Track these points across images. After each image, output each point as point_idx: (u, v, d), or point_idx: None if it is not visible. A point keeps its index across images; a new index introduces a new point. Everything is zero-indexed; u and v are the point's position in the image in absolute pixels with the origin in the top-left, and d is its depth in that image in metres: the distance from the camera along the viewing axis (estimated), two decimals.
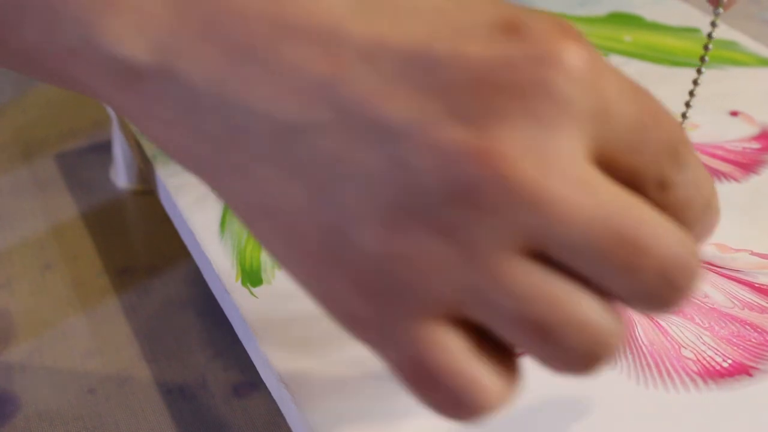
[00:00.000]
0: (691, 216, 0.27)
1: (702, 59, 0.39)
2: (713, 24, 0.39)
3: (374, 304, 0.25)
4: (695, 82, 0.40)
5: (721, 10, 0.39)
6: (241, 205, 0.26)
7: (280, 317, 0.38)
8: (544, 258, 0.24)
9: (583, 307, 0.25)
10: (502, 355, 0.26)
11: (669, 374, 0.35)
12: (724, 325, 0.37)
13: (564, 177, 0.24)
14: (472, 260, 0.24)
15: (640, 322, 0.37)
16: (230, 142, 0.25)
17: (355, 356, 0.36)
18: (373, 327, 0.25)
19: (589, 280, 0.25)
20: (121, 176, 0.56)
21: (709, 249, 0.41)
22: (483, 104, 0.24)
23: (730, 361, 0.35)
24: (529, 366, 0.36)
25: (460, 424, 0.27)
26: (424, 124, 0.24)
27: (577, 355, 0.25)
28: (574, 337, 0.25)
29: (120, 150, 0.55)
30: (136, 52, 0.25)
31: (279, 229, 0.26)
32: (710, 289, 0.39)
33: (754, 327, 0.37)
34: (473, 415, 0.25)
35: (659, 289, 0.25)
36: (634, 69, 0.53)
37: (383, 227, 0.24)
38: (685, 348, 0.36)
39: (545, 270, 0.25)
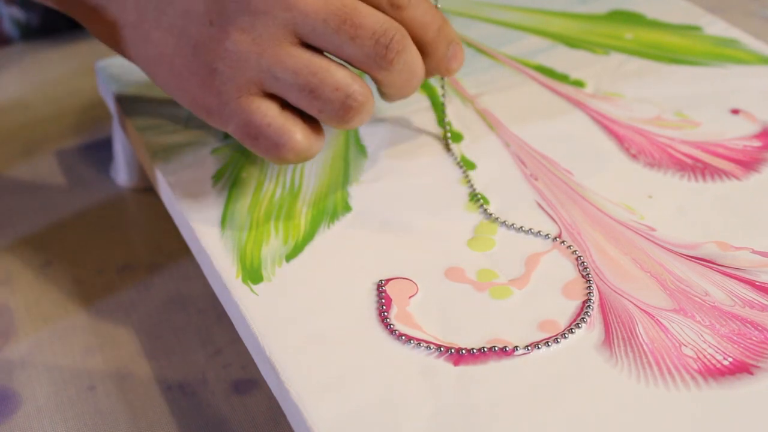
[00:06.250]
0: (429, 36, 0.42)
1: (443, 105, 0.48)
2: (443, 94, 0.48)
3: (216, 95, 0.40)
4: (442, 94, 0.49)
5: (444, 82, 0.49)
6: (148, 61, 0.42)
7: (281, 314, 0.38)
8: (306, 45, 0.40)
9: (335, 74, 0.39)
10: (307, 118, 0.41)
11: (670, 372, 0.35)
12: (725, 323, 0.37)
13: None
14: (262, 51, 0.39)
15: (640, 321, 0.37)
16: (141, 21, 0.42)
17: (356, 354, 0.36)
18: (218, 110, 0.41)
19: (336, 54, 0.40)
20: (121, 173, 0.56)
21: (710, 247, 0.41)
22: None
23: (730, 359, 0.35)
24: (530, 366, 0.36)
25: (280, 163, 0.41)
26: None
27: (335, 106, 0.39)
28: (331, 93, 0.39)
29: (120, 147, 0.55)
30: None
31: (165, 67, 0.42)
32: (711, 288, 0.39)
33: (755, 325, 0.37)
34: (289, 154, 0.40)
35: (375, 49, 0.39)
36: (635, 66, 0.53)
37: (214, 33, 0.40)
38: (686, 346, 0.36)
39: (308, 52, 0.39)
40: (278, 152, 0.40)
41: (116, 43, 0.44)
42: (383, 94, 0.43)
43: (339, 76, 0.39)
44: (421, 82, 0.43)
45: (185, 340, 0.47)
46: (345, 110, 0.40)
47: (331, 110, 0.40)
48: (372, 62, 0.40)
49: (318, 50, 0.40)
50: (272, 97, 0.40)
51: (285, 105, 0.41)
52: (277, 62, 0.39)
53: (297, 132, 0.40)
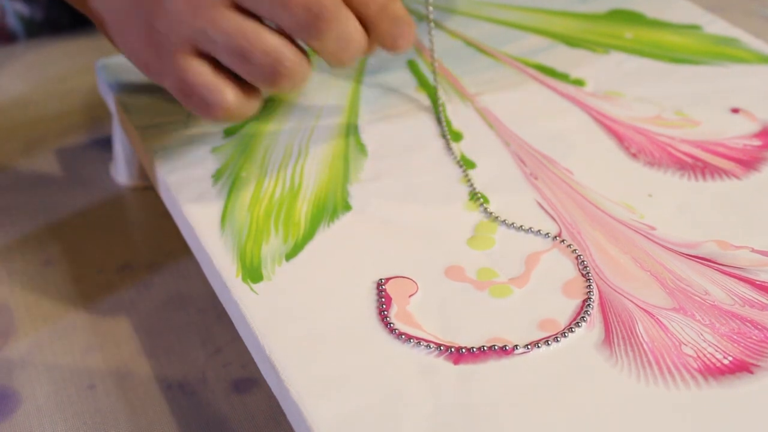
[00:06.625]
0: (370, 11, 0.42)
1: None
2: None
3: (154, 52, 0.42)
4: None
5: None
6: (101, 18, 0.45)
7: (281, 313, 0.38)
8: (240, 9, 0.40)
9: (267, 39, 0.40)
10: (241, 79, 0.42)
11: (669, 371, 0.35)
12: (724, 322, 0.37)
13: None
14: (197, 12, 0.40)
15: (640, 320, 0.37)
16: None
17: (356, 353, 0.36)
18: (155, 67, 0.43)
19: (270, 20, 0.40)
20: (121, 172, 0.56)
21: (709, 246, 0.41)
22: None
23: (730, 359, 0.35)
24: (530, 365, 0.36)
25: (213, 121, 0.44)
26: None
27: (265, 70, 0.40)
28: (261, 58, 0.40)
29: (120, 146, 0.55)
30: None
31: (113, 23, 0.44)
32: (711, 287, 0.39)
33: (755, 324, 0.37)
34: (219, 112, 0.42)
35: (305, 17, 0.40)
36: (635, 65, 0.53)
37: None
38: (686, 345, 0.36)
39: (242, 16, 0.40)
40: (209, 110, 0.42)
41: (81, 4, 0.47)
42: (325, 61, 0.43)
43: (270, 41, 0.40)
44: (361, 53, 0.42)
45: (185, 339, 0.47)
46: (274, 75, 0.41)
47: (261, 74, 0.41)
48: (302, 30, 0.40)
49: (255, 16, 0.41)
50: (207, 57, 0.41)
51: (220, 66, 0.41)
52: (211, 24, 0.40)
53: (228, 92, 0.41)
